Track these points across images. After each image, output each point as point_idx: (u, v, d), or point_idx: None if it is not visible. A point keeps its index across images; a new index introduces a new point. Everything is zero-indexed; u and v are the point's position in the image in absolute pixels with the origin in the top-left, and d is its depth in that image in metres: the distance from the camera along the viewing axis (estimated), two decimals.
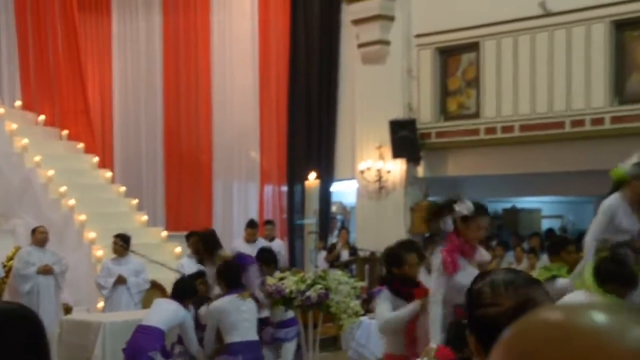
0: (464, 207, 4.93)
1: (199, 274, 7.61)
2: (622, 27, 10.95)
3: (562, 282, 6.03)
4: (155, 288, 9.76)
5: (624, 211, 5.77)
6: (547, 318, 0.83)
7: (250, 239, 10.57)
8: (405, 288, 5.08)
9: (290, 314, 7.43)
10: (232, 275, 6.80)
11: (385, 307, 4.98)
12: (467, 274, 4.71)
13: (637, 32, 10.92)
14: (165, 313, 6.74)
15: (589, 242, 5.90)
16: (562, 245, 7.02)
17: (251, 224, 11.07)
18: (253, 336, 6.80)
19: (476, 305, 1.85)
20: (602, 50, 10.97)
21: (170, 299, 6.96)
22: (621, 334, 0.78)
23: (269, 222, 12.16)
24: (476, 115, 12.18)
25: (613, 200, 5.86)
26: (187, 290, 7.00)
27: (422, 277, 13.04)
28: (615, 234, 5.83)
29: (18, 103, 14.37)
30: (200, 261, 7.83)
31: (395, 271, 5.20)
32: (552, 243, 7.55)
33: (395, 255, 5.31)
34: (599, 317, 0.80)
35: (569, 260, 6.43)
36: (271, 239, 11.84)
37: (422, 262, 5.33)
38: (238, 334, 6.63)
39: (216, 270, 7.01)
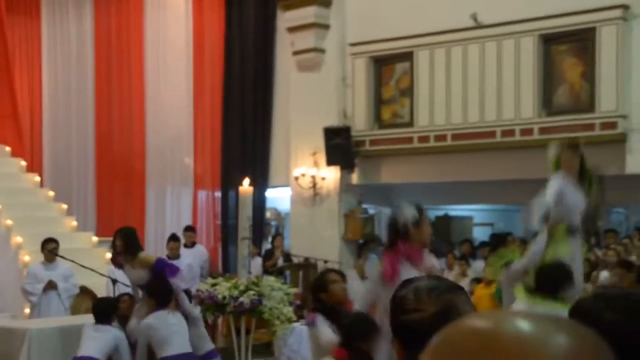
0: (411, 212, 4.98)
1: (123, 294, 7.59)
2: (549, 41, 11.27)
3: (516, 265, 6.20)
4: (85, 294, 9.64)
5: (570, 188, 6.04)
6: (473, 326, 0.85)
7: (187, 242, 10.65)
8: (335, 314, 4.91)
9: (211, 345, 7.49)
10: (164, 293, 6.80)
11: (327, 331, 4.89)
12: None
13: (564, 46, 11.26)
14: (98, 342, 6.68)
15: (538, 221, 6.14)
16: (502, 239, 7.41)
17: (187, 229, 11.12)
18: (187, 348, 6.79)
19: (400, 311, 1.88)
20: (531, 63, 11.27)
21: (96, 324, 6.89)
22: (544, 342, 0.81)
23: (189, 229, 12.12)
24: (410, 123, 12.34)
25: (558, 179, 6.10)
26: (107, 311, 6.97)
27: (355, 283, 13.13)
28: (568, 213, 6.05)
29: None
30: (120, 265, 7.60)
31: (323, 297, 5.06)
32: (496, 238, 7.99)
33: (318, 280, 5.26)
34: (523, 325, 0.83)
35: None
36: (192, 245, 11.84)
37: (343, 280, 5.26)
38: (171, 348, 6.63)
39: (146, 288, 6.99)
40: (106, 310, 6.96)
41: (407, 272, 4.61)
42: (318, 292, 5.08)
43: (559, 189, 6.07)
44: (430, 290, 1.87)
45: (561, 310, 5.19)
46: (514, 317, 0.85)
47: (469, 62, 11.73)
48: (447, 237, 14.37)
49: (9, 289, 10.65)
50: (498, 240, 11.58)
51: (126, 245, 7.35)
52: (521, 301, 5.46)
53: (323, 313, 4.92)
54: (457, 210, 15.45)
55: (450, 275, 11.13)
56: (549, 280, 5.31)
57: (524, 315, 0.86)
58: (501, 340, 0.82)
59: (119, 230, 7.61)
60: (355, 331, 4.39)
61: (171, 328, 6.70)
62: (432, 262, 5.18)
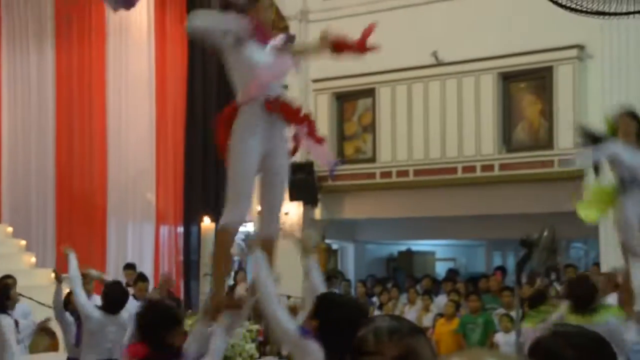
0: None
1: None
2: (508, 79, 11.53)
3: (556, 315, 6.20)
4: (45, 332, 9.49)
5: (628, 150, 6.04)
6: None
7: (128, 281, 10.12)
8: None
9: None
10: None
11: None
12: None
13: (523, 84, 11.54)
14: None
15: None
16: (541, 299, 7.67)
17: (128, 266, 10.79)
18: None
19: (358, 352, 1.85)
20: (491, 100, 11.49)
21: None
22: None
23: (129, 266, 11.27)
24: (372, 159, 12.46)
25: (613, 145, 6.07)
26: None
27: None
28: (634, 171, 6.04)
29: None
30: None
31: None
32: (533, 298, 8.15)
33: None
34: None
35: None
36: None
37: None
38: None
39: None
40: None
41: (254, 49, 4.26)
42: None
43: (615, 151, 6.06)
44: (392, 332, 1.84)
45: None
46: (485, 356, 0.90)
47: (430, 98, 11.91)
48: (409, 272, 14.45)
49: None
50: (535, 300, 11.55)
51: None
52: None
53: None
54: (420, 245, 15.53)
55: (413, 310, 11.23)
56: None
57: (494, 354, 0.91)
58: None
59: None
60: (151, 322, 4.10)
61: None
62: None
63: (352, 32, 13.42)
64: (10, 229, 13.11)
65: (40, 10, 14.95)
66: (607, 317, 5.84)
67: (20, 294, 9.44)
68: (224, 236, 4.30)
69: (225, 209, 4.22)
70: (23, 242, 12.88)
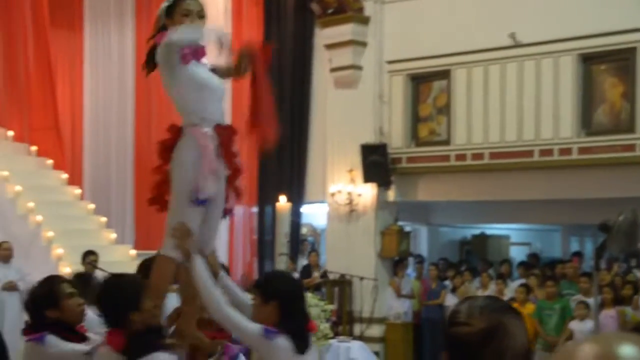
0: None
1: None
2: (589, 61, 11.26)
3: None
4: None
5: None
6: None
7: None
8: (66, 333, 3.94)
9: None
10: None
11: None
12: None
13: (604, 66, 11.25)
14: None
15: None
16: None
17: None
18: None
19: (450, 323, 1.94)
20: (570, 82, 11.26)
21: None
22: None
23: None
24: (447, 141, 12.36)
25: None
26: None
27: (391, 300, 13.11)
28: None
29: None
30: None
31: (49, 314, 3.95)
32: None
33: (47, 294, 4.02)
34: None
35: None
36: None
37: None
38: None
39: None
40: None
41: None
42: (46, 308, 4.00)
43: None
44: (483, 307, 1.91)
45: None
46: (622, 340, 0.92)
47: (507, 80, 11.76)
48: (483, 255, 14.37)
49: None
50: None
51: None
52: None
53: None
54: (494, 229, 15.38)
55: (486, 294, 11.23)
56: None
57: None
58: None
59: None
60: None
61: None
62: None
63: (428, 13, 13.43)
64: (92, 206, 13.41)
65: None
66: None
67: (102, 269, 9.79)
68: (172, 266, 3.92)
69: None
70: (104, 219, 13.23)
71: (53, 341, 3.83)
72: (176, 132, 4.02)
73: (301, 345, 3.55)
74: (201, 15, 4.05)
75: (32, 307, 4.05)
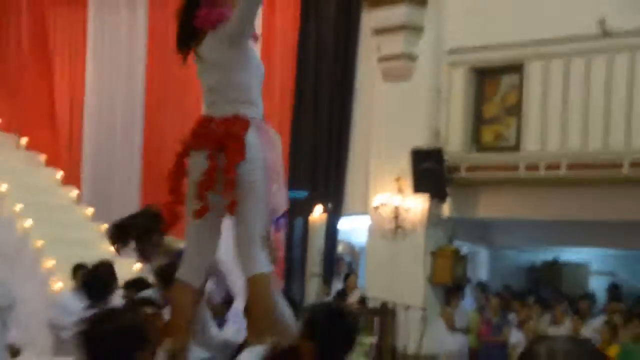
0: None
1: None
2: None
3: None
4: None
5: None
6: None
7: None
8: None
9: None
10: None
11: None
12: None
13: None
14: None
15: None
16: None
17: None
18: None
19: None
20: None
21: None
22: None
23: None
24: (516, 148, 12.39)
25: None
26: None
27: (443, 334, 13.02)
28: None
29: None
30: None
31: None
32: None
33: None
34: None
35: None
36: None
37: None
38: None
39: None
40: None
41: None
42: None
43: None
44: (568, 353, 1.92)
45: None
46: None
47: (593, 77, 11.73)
48: (556, 286, 14.46)
49: (37, 320, 10.79)
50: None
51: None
52: None
53: None
54: (570, 254, 15.42)
55: (558, 333, 11.15)
56: None
57: None
58: None
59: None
60: None
61: None
62: None
63: None
64: (90, 211, 13.54)
65: None
66: None
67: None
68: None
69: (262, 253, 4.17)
70: (104, 226, 13.13)
71: None
72: (245, 124, 4.09)
73: None
74: None
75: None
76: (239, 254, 4.24)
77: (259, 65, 4.25)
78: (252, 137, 4.05)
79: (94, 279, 6.82)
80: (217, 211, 4.15)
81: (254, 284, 4.11)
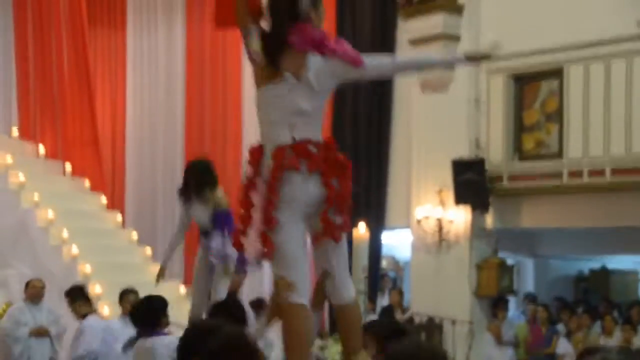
0: None
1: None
2: None
3: None
4: None
5: None
6: None
7: None
8: None
9: None
10: None
11: None
12: None
13: None
14: None
15: None
16: None
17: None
18: None
19: None
20: None
21: None
22: None
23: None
24: (558, 155, 12.31)
25: None
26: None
27: (490, 348, 12.88)
28: None
29: (14, 131, 14.73)
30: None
31: None
32: None
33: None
34: None
35: None
36: None
37: None
38: None
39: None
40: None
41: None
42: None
43: None
44: None
45: None
46: None
47: (635, 79, 11.61)
48: (605, 294, 14.27)
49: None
50: None
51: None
52: None
53: None
54: (619, 262, 15.31)
55: (610, 343, 11.18)
56: None
57: None
58: None
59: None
60: None
61: None
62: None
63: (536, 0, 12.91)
64: (135, 236, 13.67)
65: None
66: None
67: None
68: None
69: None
70: (149, 251, 13.34)
71: None
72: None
73: None
74: None
75: (182, 353, 4.14)
76: (338, 278, 4.24)
77: None
78: None
79: (145, 311, 6.87)
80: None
81: (357, 308, 4.27)
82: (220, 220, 7.23)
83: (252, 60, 4.13)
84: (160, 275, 7.67)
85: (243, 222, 4.14)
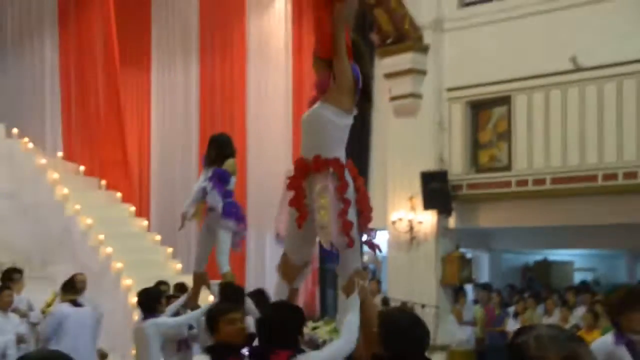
0: None
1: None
2: None
3: None
4: None
5: None
6: None
7: None
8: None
9: None
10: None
11: None
12: None
13: None
14: None
15: None
16: None
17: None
18: None
19: (520, 358, 1.87)
20: (634, 105, 10.95)
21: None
22: None
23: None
24: (508, 167, 12.20)
25: None
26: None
27: (453, 327, 12.65)
28: None
29: (60, 154, 14.63)
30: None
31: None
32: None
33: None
34: None
35: None
36: None
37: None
38: None
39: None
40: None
41: None
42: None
43: None
44: (552, 338, 1.85)
45: None
46: None
47: (569, 105, 11.55)
48: (546, 282, 14.23)
49: (118, 330, 10.81)
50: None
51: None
52: None
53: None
54: (557, 255, 15.15)
55: (551, 321, 10.90)
56: None
57: None
58: None
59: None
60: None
61: None
62: None
63: (487, 40, 13.14)
64: (158, 238, 13.47)
65: (186, 24, 15.41)
66: None
67: (174, 296, 9.64)
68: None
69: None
70: (170, 250, 13.23)
71: None
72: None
73: None
74: None
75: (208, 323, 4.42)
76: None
77: None
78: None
79: (144, 300, 6.78)
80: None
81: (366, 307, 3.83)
82: (215, 174, 6.65)
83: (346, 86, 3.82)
84: (183, 221, 6.87)
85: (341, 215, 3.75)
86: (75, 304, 8.92)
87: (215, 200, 6.59)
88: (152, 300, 6.69)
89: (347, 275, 3.79)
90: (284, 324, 3.71)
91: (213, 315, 4.44)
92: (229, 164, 6.80)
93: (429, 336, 3.50)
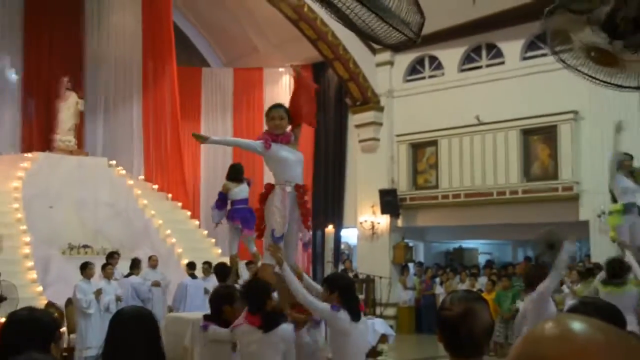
0: None
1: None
2: (528, 133, 11.19)
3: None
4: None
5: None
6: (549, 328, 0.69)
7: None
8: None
9: None
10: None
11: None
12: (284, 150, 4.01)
13: (537, 137, 11.18)
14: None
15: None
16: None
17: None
18: None
19: (440, 309, 1.84)
20: (516, 148, 11.17)
21: None
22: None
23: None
24: (436, 186, 12.29)
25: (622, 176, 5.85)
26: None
27: (400, 291, 12.46)
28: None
29: (141, 177, 14.49)
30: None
31: (227, 310, 3.88)
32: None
33: (228, 295, 3.99)
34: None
35: None
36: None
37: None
38: None
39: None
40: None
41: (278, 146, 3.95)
42: (222, 304, 3.94)
43: (625, 185, 5.90)
44: (460, 297, 1.80)
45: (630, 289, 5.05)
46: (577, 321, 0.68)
47: (474, 146, 11.70)
48: (461, 261, 13.93)
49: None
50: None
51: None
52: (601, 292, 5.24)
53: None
54: (468, 243, 14.94)
55: (463, 287, 10.84)
56: (616, 272, 5.20)
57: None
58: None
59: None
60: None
61: None
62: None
63: (423, 103, 13.35)
64: (205, 232, 13.19)
65: (225, 91, 15.43)
66: (632, 288, 5.30)
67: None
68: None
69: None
70: (213, 240, 13.01)
71: (211, 329, 3.85)
72: (270, 188, 4.11)
73: (355, 316, 3.53)
74: None
75: (214, 302, 3.94)
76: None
77: (277, 157, 4.05)
78: (271, 195, 4.06)
79: (223, 271, 6.50)
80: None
81: (261, 268, 3.98)
82: (218, 197, 6.61)
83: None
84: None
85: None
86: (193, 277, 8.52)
87: (212, 213, 6.68)
88: (224, 272, 6.52)
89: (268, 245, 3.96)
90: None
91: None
92: (223, 185, 6.82)
93: (354, 285, 3.82)
